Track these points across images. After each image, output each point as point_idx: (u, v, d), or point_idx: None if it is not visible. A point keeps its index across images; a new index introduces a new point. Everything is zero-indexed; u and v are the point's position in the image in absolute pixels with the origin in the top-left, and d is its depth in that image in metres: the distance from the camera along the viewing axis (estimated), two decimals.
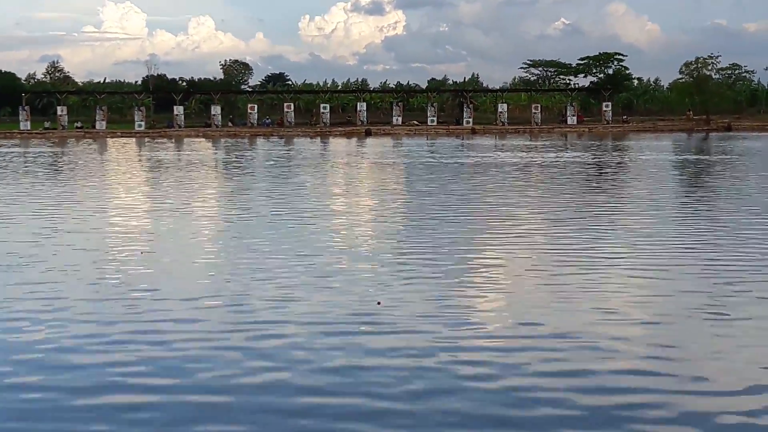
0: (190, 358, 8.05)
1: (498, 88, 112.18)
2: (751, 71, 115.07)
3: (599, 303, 9.97)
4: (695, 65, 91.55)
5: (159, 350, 8.31)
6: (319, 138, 73.80)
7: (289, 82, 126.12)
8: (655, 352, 8.10)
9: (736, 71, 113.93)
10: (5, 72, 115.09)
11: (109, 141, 70.67)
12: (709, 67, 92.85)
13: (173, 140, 70.91)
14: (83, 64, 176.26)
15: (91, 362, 7.99)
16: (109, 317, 9.57)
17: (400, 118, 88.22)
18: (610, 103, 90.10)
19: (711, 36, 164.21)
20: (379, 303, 10.09)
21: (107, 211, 20.28)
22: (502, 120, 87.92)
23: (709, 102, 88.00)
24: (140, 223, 17.91)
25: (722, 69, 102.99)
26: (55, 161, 41.83)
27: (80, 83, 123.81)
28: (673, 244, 14.24)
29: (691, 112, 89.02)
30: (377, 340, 8.60)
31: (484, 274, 11.88)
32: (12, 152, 51.23)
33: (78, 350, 8.37)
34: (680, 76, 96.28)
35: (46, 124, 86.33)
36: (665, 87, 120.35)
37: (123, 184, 28.66)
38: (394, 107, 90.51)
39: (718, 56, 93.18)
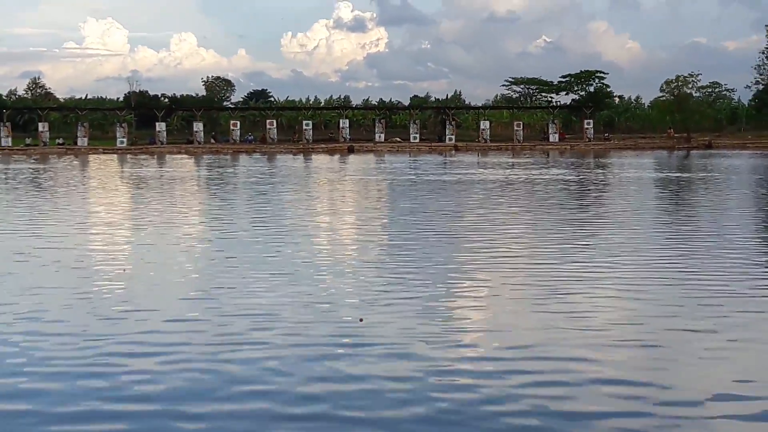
0: (170, 378, 8.04)
1: (480, 105, 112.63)
2: (731, 89, 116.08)
3: (583, 323, 9.95)
4: (676, 83, 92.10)
5: (139, 373, 8.24)
6: (301, 155, 73.82)
7: (272, 99, 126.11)
8: (640, 372, 8.10)
9: (717, 89, 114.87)
10: None
11: (91, 158, 70.43)
12: (690, 85, 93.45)
13: (155, 157, 70.74)
14: (65, 80, 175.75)
15: (68, 384, 7.96)
16: (90, 337, 9.52)
17: (382, 135, 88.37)
18: (591, 121, 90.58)
19: (691, 54, 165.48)
20: (361, 320, 10.11)
21: (90, 228, 20.21)
22: (485, 137, 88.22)
23: (690, 120, 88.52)
24: (124, 241, 17.86)
25: (703, 87, 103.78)
26: (37, 178, 41.65)
27: (62, 99, 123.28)
28: (655, 262, 14.30)
29: (671, 130, 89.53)
30: (359, 359, 8.62)
31: (467, 294, 11.90)
32: None
33: (55, 373, 8.33)
34: (661, 94, 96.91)
35: (28, 141, 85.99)
36: (646, 105, 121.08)
37: (105, 201, 28.56)
38: (377, 124, 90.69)
39: (698, 74, 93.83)
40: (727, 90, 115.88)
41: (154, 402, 7.40)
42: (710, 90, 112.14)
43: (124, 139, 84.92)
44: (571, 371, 8.11)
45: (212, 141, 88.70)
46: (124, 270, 13.86)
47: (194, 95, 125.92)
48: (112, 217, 22.90)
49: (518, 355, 8.66)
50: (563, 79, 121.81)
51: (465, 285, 12.46)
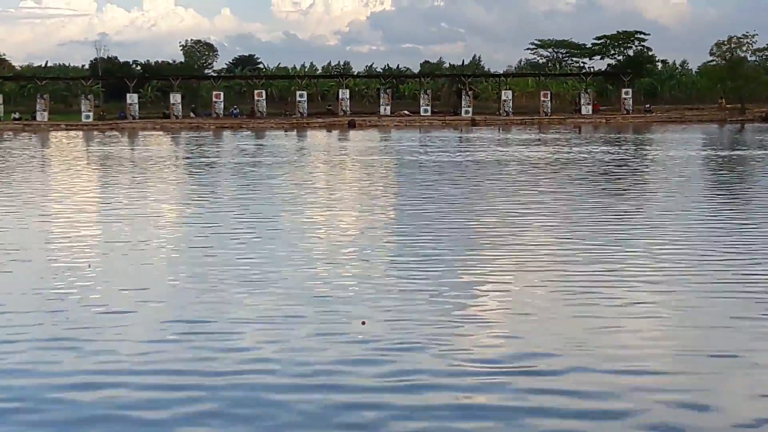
0: (147, 390, 8.09)
1: (501, 72, 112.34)
2: None
3: (617, 334, 9.93)
4: (728, 45, 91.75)
5: (107, 385, 8.28)
6: (295, 131, 73.84)
7: (261, 66, 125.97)
8: (686, 396, 7.95)
9: None
10: None
11: (52, 135, 70.49)
12: (745, 48, 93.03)
13: (126, 133, 70.81)
14: (22, 45, 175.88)
15: (29, 389, 8.02)
16: (52, 339, 9.58)
17: (388, 108, 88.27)
18: (630, 90, 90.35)
19: (747, 11, 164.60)
20: (363, 323, 10.15)
21: (50, 216, 20.26)
22: (507, 109, 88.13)
23: (745, 88, 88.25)
24: (88, 231, 17.90)
25: (759, 50, 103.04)
26: None
27: (18, 67, 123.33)
28: (705, 258, 14.27)
29: (723, 100, 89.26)
30: (361, 364, 8.66)
31: (486, 294, 11.90)
32: None
33: (12, 377, 8.40)
34: (711, 59, 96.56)
35: None
36: (694, 71, 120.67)
37: (68, 185, 28.59)
38: (382, 95, 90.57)
39: (754, 35, 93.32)
40: None
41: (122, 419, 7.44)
42: None
43: (90, 114, 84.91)
44: (605, 393, 8.12)
45: (192, 115, 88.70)
46: (89, 265, 13.89)
47: (171, 62, 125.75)
48: (75, 204, 22.93)
49: (547, 373, 8.66)
50: (597, 42, 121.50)
51: (484, 285, 12.45)
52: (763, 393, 7.91)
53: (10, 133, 73.81)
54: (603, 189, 25.70)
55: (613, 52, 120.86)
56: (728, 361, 8.77)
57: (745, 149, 43.22)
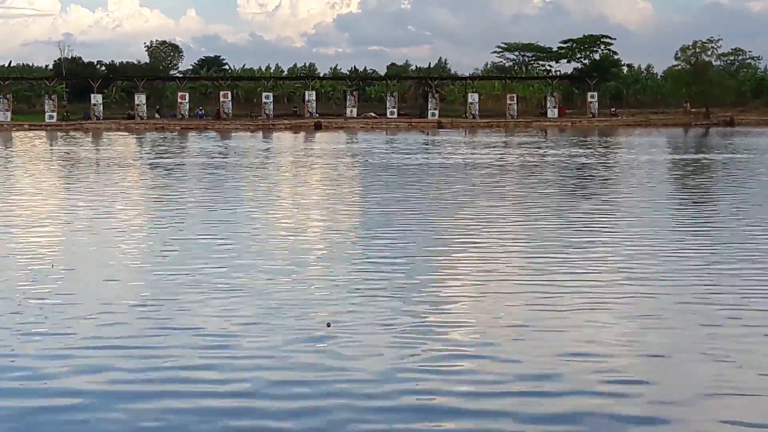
0: (104, 400, 8.07)
1: (468, 75, 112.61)
2: (757, 57, 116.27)
3: (582, 337, 9.97)
4: (693, 50, 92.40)
5: (67, 391, 8.24)
6: (261, 132, 73.70)
7: (226, 67, 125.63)
8: (652, 407, 7.94)
9: (740, 57, 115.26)
10: None
11: (15, 135, 69.97)
12: (709, 53, 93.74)
13: (90, 134, 70.40)
14: None
15: None
16: (11, 342, 9.54)
17: (354, 110, 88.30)
18: (596, 94, 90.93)
19: (711, 16, 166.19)
20: (329, 325, 10.18)
21: (13, 217, 20.13)
22: (473, 112, 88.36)
23: (709, 92, 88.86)
24: (52, 232, 17.82)
25: (723, 54, 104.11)
26: None
27: None
28: (670, 261, 14.39)
29: (688, 104, 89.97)
30: (327, 366, 8.68)
31: (451, 298, 11.95)
32: None
33: None
34: (676, 63, 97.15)
35: None
36: (659, 75, 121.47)
37: (30, 186, 28.41)
38: (348, 97, 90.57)
39: (718, 40, 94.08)
40: (752, 58, 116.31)
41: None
42: (732, 58, 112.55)
43: (54, 114, 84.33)
44: (569, 397, 8.19)
45: (157, 116, 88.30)
46: (53, 265, 13.83)
47: (136, 63, 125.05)
48: (37, 205, 22.82)
49: (512, 380, 8.71)
50: (564, 45, 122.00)
51: (449, 289, 12.51)
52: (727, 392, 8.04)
53: None
54: (569, 192, 25.82)
55: (579, 55, 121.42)
56: (694, 361, 8.89)
57: (709, 153, 43.51)
